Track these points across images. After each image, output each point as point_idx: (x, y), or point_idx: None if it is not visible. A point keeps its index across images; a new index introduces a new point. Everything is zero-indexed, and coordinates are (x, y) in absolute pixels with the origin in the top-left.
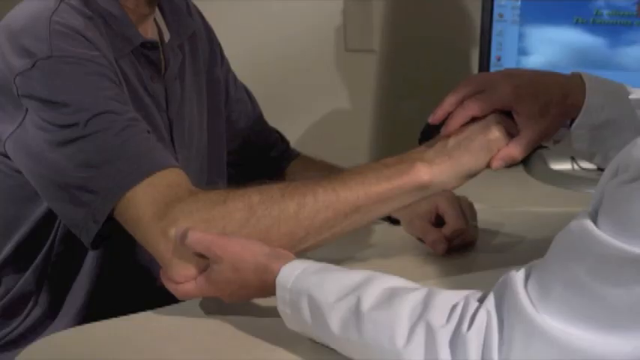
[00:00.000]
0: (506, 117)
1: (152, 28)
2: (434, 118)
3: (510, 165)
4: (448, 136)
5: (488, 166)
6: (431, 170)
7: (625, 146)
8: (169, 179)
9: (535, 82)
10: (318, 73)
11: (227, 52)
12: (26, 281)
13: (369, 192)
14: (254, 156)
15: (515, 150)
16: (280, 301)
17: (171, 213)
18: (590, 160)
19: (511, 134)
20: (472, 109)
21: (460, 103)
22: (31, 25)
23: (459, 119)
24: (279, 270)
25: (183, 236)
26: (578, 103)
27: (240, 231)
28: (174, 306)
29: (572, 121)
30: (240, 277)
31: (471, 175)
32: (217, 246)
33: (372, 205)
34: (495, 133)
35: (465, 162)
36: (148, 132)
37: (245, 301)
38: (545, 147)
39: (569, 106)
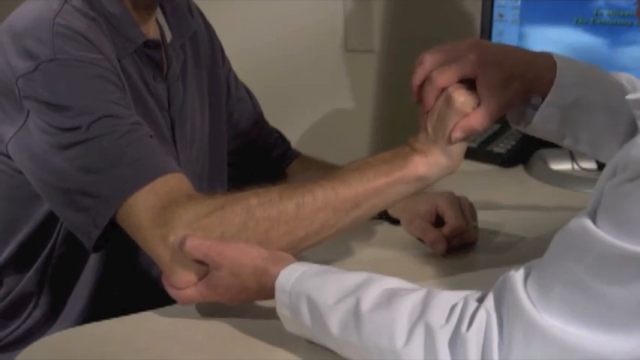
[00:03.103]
0: (469, 85)
1: (154, 28)
2: (414, 97)
3: (473, 139)
4: (426, 128)
5: (449, 140)
6: (427, 161)
7: (598, 127)
8: (170, 185)
9: (501, 53)
10: (318, 74)
11: (227, 52)
12: (28, 282)
13: (368, 188)
14: (255, 155)
15: (475, 120)
16: (279, 304)
17: (170, 220)
18: (560, 142)
19: (472, 93)
20: (439, 81)
21: (427, 75)
22: (34, 27)
23: (430, 94)
24: (278, 273)
25: (182, 243)
26: (546, 80)
27: (240, 235)
28: (174, 306)
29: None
30: (240, 281)
31: (464, 149)
32: (215, 252)
33: (372, 200)
34: (460, 99)
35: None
36: (151, 136)
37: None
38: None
39: (534, 81)
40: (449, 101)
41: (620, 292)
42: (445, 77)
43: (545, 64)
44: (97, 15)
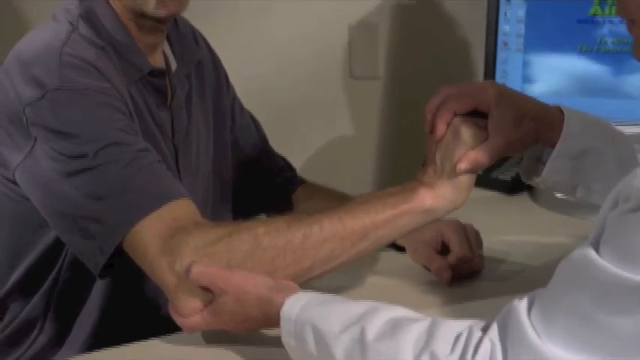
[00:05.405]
0: (479, 120)
1: (160, 57)
2: (427, 127)
3: (476, 171)
4: (434, 160)
5: (454, 171)
6: (434, 194)
7: (611, 177)
8: (177, 212)
9: (518, 94)
10: (323, 100)
11: (231, 79)
12: (33, 308)
13: (375, 220)
14: (260, 182)
15: (480, 154)
16: (285, 333)
17: (177, 247)
18: (572, 194)
19: (481, 127)
20: (452, 106)
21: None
22: (42, 55)
23: (442, 120)
24: (282, 302)
25: (188, 270)
26: (556, 130)
27: (246, 262)
28: (180, 333)
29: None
30: (244, 309)
31: (472, 183)
32: (220, 279)
33: (379, 232)
34: (468, 132)
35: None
36: (159, 161)
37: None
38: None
39: (546, 126)
40: (457, 133)
41: (624, 322)
42: (459, 103)
43: (555, 114)
44: (105, 44)
